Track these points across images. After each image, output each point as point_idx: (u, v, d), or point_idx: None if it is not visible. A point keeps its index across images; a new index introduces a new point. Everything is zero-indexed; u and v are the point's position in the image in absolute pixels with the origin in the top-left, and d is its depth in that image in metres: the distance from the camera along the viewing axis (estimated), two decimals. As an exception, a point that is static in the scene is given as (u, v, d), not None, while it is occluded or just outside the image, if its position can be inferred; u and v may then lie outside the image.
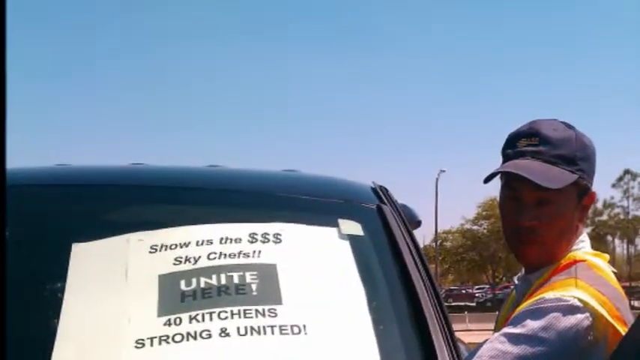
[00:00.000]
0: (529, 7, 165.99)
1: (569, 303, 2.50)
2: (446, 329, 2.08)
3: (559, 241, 2.80)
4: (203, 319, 1.89)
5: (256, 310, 1.93)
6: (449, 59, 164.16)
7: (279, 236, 2.20)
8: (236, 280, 2.02)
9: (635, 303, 51.77)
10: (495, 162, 2.93)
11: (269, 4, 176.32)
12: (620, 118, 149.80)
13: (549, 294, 2.57)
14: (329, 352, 1.88)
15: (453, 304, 71.88)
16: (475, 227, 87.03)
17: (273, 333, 1.88)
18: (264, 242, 2.17)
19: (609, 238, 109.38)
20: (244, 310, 1.92)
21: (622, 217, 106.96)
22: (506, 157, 2.86)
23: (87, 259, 2.13)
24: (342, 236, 2.27)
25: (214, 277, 2.03)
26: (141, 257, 2.13)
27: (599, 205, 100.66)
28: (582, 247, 2.87)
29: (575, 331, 2.46)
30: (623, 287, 2.82)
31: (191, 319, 1.90)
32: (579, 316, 2.48)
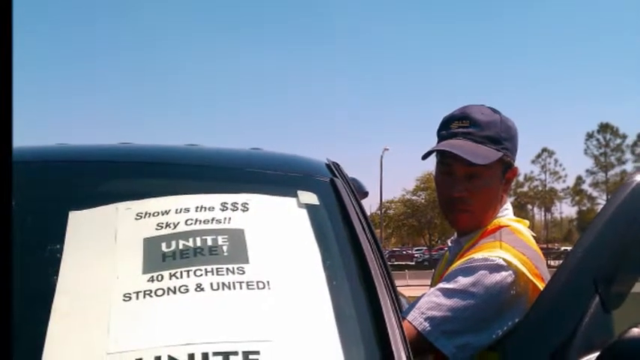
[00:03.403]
0: (464, 11, 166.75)
1: (495, 262, 2.54)
2: (389, 284, 2.10)
3: (486, 210, 2.84)
4: (181, 276, 1.90)
5: (227, 269, 1.94)
6: (390, 55, 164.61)
7: (246, 205, 2.21)
8: (209, 243, 2.03)
9: (552, 262, 52.02)
10: (431, 141, 2.96)
11: (240, 6, 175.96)
12: (540, 104, 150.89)
13: (478, 254, 2.61)
14: (289, 303, 1.89)
15: (396, 263, 72.10)
16: (414, 197, 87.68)
17: (241, 288, 1.89)
18: (233, 210, 2.18)
19: (529, 206, 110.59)
20: (217, 269, 1.93)
21: (540, 188, 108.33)
22: (441, 138, 2.90)
23: (82, 225, 2.13)
24: (301, 205, 2.28)
25: (191, 240, 2.04)
26: (128, 223, 2.13)
27: (521, 178, 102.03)
28: (506, 214, 2.91)
29: (500, 287, 2.50)
30: (541, 249, 2.86)
31: (171, 276, 1.91)
32: (504, 273, 2.52)
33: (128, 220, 2.15)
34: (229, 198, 2.23)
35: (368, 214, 2.55)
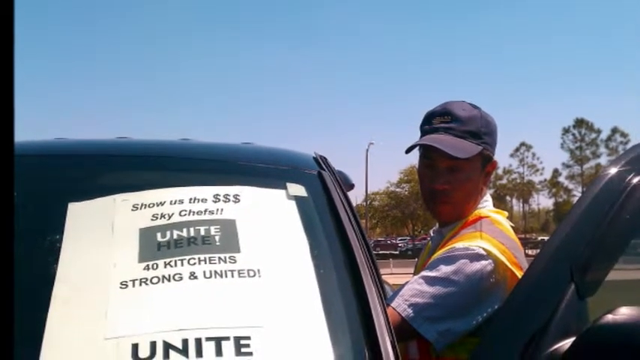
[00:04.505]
0: (446, 11, 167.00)
1: (476, 251, 2.55)
2: (374, 273, 2.10)
3: (467, 201, 2.86)
4: (175, 265, 1.91)
5: (219, 258, 1.94)
6: (376, 53, 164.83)
7: (237, 197, 2.21)
8: (202, 233, 2.03)
9: (530, 252, 52.08)
10: (415, 136, 2.97)
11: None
12: (518, 101, 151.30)
13: (459, 244, 2.62)
14: (278, 291, 1.90)
15: (380, 252, 71.94)
16: (398, 189, 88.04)
17: (232, 276, 1.89)
18: (225, 202, 2.18)
19: (508, 198, 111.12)
20: (209, 258, 1.94)
21: (518, 181, 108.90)
22: (424, 132, 2.91)
23: (80, 216, 2.13)
24: (290, 197, 2.29)
25: (185, 230, 2.04)
26: (125, 214, 2.14)
27: (500, 171, 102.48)
28: (486, 205, 2.92)
29: (480, 275, 2.51)
30: (519, 239, 2.87)
31: (166, 264, 1.91)
32: (483, 262, 2.53)
33: (125, 211, 2.16)
34: (221, 190, 2.24)
35: (354, 205, 2.56)
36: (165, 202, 2.18)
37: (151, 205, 2.17)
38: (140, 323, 1.76)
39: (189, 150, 2.95)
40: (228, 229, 2.08)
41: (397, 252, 77.50)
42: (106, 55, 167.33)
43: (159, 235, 2.04)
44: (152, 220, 2.11)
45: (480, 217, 2.81)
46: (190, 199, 2.19)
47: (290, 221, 2.20)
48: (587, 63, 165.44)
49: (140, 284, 1.87)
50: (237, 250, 2.00)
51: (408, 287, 2.57)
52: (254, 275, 1.92)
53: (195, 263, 1.92)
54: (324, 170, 2.59)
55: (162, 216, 2.12)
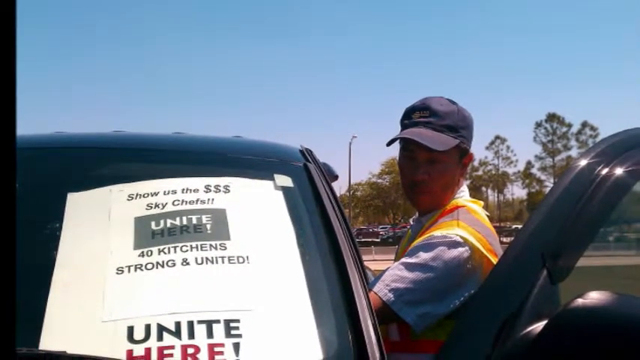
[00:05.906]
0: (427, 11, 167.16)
1: (453, 239, 2.56)
2: (357, 259, 2.11)
3: (445, 191, 2.87)
4: (169, 252, 1.92)
5: (210, 245, 1.95)
6: (359, 49, 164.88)
7: (228, 187, 2.22)
8: (194, 222, 2.04)
9: (504, 239, 52.10)
10: (395, 130, 2.98)
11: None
12: (493, 96, 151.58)
13: (437, 232, 2.63)
14: (266, 276, 1.91)
15: (363, 240, 71.80)
16: (380, 180, 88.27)
17: (223, 262, 1.90)
18: (216, 192, 2.19)
19: (484, 188, 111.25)
20: (201, 245, 1.95)
21: (493, 172, 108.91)
22: (404, 126, 2.92)
23: (79, 206, 2.14)
24: (277, 187, 2.30)
25: (178, 219, 2.05)
26: (121, 204, 2.14)
27: (476, 163, 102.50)
28: (463, 195, 2.93)
29: (457, 261, 2.52)
30: (494, 227, 2.89)
31: (160, 251, 1.92)
32: (460, 249, 2.54)
33: (121, 201, 2.17)
34: (212, 181, 2.25)
35: (337, 195, 2.57)
36: (159, 192, 2.19)
37: (145, 195, 2.18)
38: (135, 307, 1.77)
39: (182, 143, 2.95)
40: (219, 217, 2.09)
41: (379, 240, 77.38)
42: (103, 53, 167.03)
43: (153, 223, 2.05)
44: (147, 209, 2.12)
45: (457, 207, 2.82)
46: (183, 189, 2.20)
47: (277, 210, 2.21)
48: (558, 59, 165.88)
49: (135, 270, 1.88)
50: (228, 238, 2.01)
51: (389, 273, 2.57)
52: (243, 261, 1.93)
53: (187, 250, 1.93)
54: (310, 162, 2.60)
55: (157, 205, 2.13)
